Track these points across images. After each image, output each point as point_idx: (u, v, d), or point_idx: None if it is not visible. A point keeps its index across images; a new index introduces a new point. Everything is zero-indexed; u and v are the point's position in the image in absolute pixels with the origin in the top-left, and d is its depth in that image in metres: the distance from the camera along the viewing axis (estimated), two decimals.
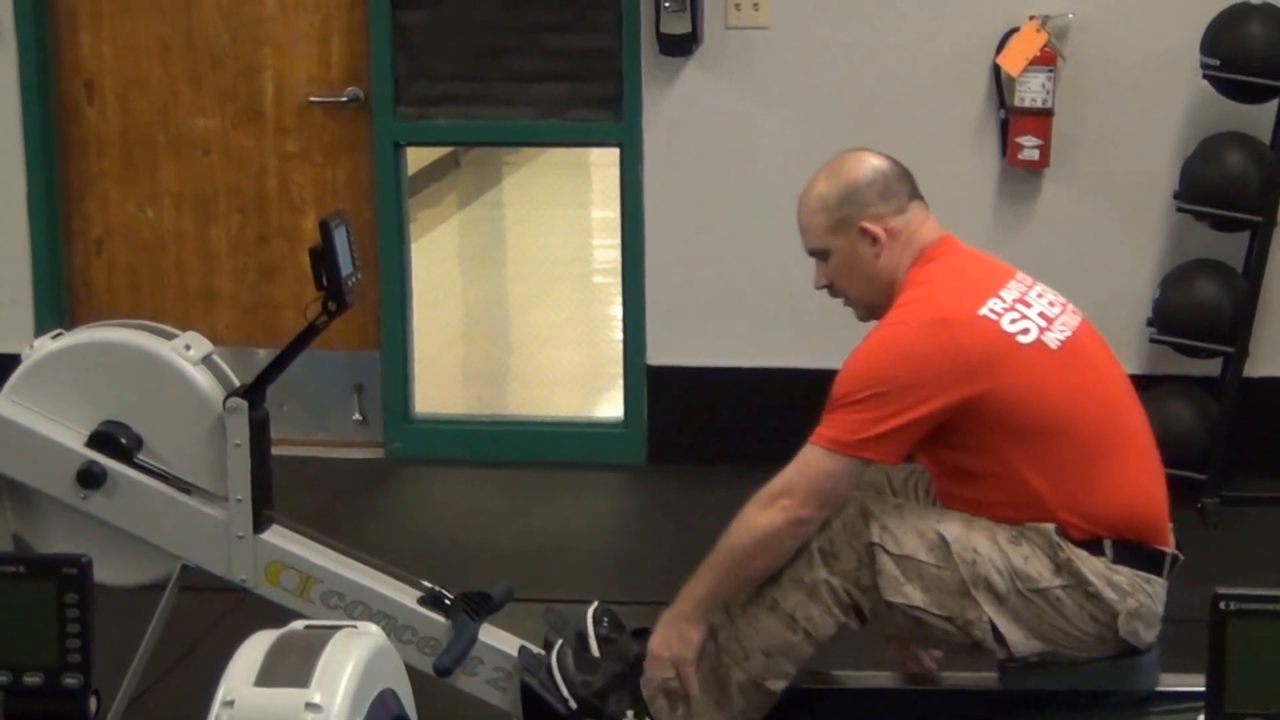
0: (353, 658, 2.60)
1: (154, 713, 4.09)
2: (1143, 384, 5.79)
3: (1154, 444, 3.61)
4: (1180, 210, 5.68)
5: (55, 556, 2.40)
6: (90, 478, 3.73)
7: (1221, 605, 2.13)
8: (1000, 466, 3.43)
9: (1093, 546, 3.43)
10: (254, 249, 6.39)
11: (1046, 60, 5.68)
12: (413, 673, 2.94)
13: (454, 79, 6.19)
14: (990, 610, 3.40)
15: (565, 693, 3.60)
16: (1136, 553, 3.47)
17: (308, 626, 2.76)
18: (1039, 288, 3.56)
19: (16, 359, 3.82)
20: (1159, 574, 3.49)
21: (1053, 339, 3.46)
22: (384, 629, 2.82)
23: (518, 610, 3.88)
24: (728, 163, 6.09)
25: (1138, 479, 3.53)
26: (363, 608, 3.77)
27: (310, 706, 2.49)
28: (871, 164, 3.58)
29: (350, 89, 6.23)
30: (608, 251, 8.22)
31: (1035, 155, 5.74)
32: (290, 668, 2.57)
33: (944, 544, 3.40)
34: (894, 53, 5.93)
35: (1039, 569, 3.40)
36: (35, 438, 3.75)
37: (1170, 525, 3.59)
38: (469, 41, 6.15)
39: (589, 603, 3.77)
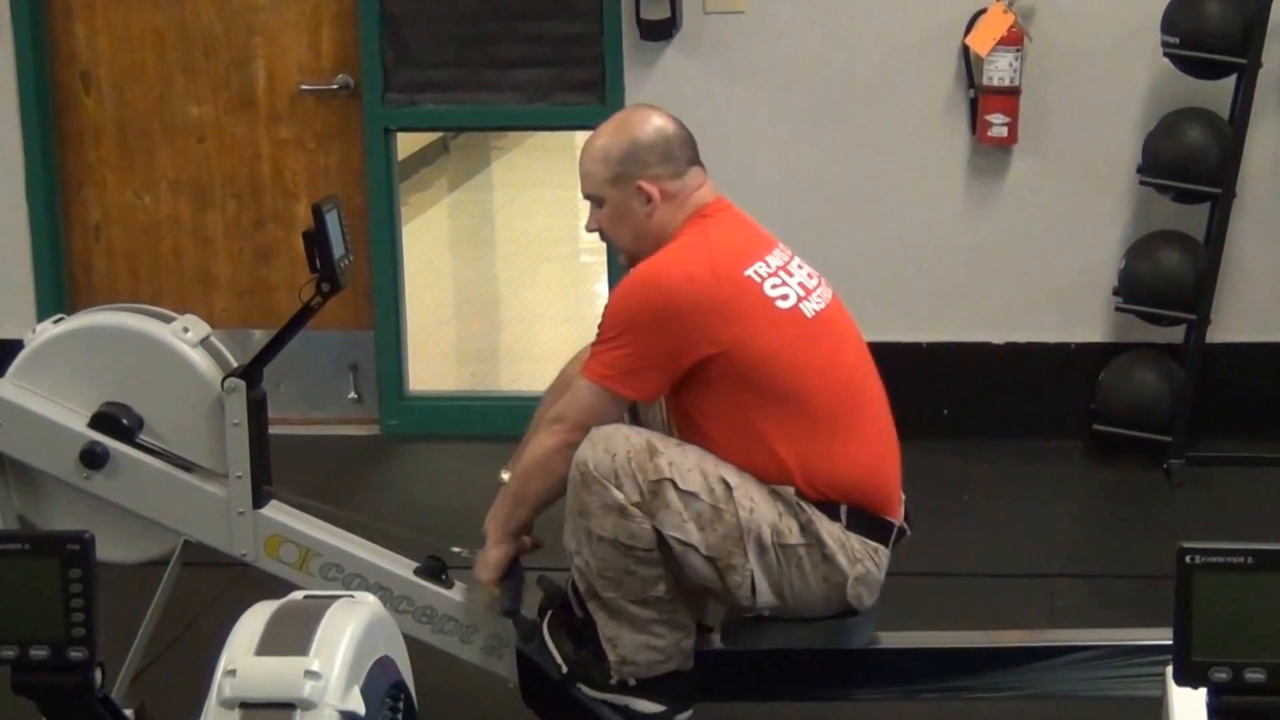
0: (350, 626, 2.68)
1: (159, 684, 4.10)
2: (1110, 351, 5.96)
3: (891, 419, 3.68)
4: (1143, 184, 5.72)
5: (58, 533, 2.40)
6: (93, 458, 3.78)
7: (1187, 559, 2.18)
8: (743, 424, 3.49)
9: (829, 510, 3.51)
10: (249, 233, 6.40)
11: (1013, 40, 5.72)
12: (410, 641, 3.04)
13: (441, 66, 6.20)
14: (754, 562, 3.46)
15: (557, 658, 3.65)
16: (868, 522, 3.55)
17: (306, 596, 2.83)
18: (798, 260, 3.65)
19: (19, 344, 3.88)
20: (885, 544, 3.58)
21: (809, 308, 3.55)
22: (381, 600, 2.89)
23: None
24: (706, 143, 5.88)
25: (874, 450, 3.60)
26: (360, 579, 3.82)
27: (309, 674, 2.57)
28: (657, 125, 3.65)
29: (340, 76, 6.24)
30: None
31: (1004, 132, 5.79)
32: (290, 636, 2.64)
33: (727, 489, 3.45)
34: (866, 35, 5.95)
35: (790, 525, 3.48)
36: (39, 420, 3.80)
37: (902, 497, 3.66)
38: (455, 29, 6.17)
39: None
